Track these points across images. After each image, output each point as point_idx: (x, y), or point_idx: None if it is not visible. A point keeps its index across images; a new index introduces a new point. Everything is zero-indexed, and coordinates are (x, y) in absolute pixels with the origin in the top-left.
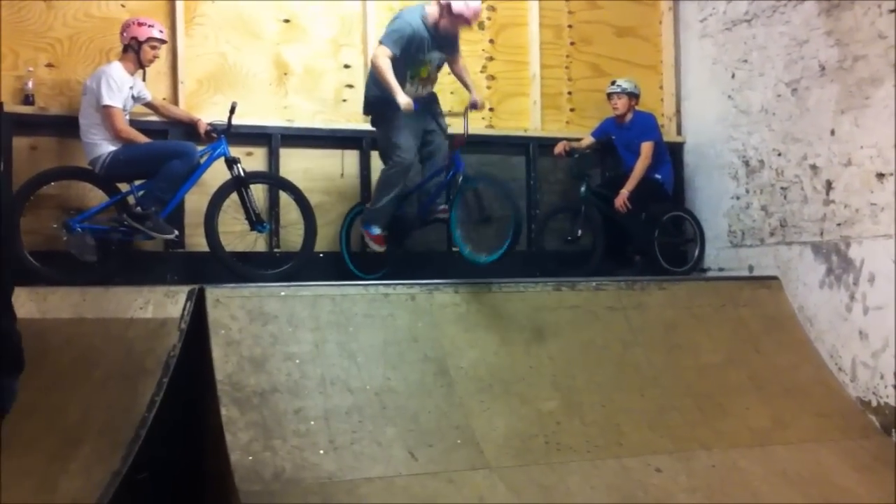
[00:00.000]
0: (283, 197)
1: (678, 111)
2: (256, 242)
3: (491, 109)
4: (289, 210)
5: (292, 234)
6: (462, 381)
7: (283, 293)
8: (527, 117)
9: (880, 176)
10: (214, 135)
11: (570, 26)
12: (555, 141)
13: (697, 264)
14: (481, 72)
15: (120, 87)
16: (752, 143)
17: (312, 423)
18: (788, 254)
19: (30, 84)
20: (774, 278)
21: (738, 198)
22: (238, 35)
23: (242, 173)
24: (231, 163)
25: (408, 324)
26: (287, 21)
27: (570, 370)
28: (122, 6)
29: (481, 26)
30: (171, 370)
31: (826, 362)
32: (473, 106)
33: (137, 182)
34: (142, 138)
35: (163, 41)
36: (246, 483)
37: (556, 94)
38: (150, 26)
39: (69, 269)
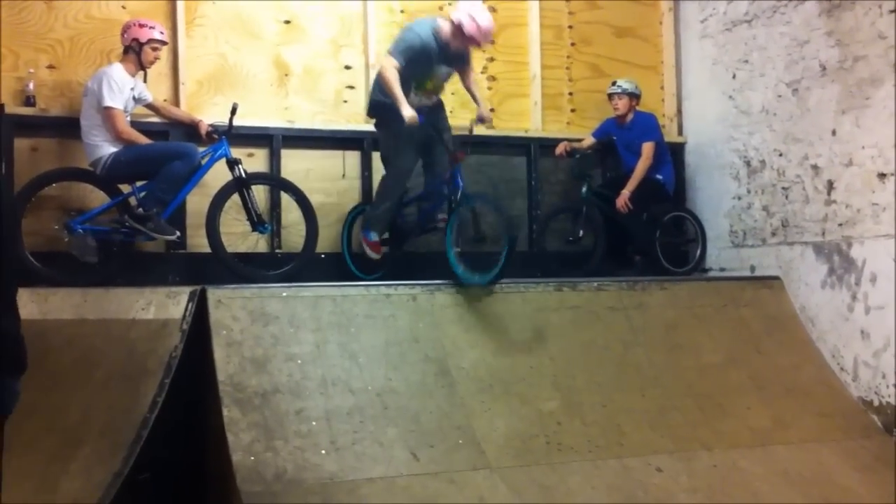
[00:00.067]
0: (285, 198)
1: (679, 111)
2: (258, 243)
3: (492, 110)
4: (290, 211)
5: (293, 234)
6: (463, 381)
7: (284, 294)
8: (527, 118)
9: (881, 176)
10: (215, 136)
11: (570, 27)
12: (556, 141)
13: (699, 264)
14: (482, 72)
15: (121, 89)
16: (753, 144)
17: (314, 423)
18: (790, 254)
19: (31, 85)
20: (776, 278)
21: (739, 198)
22: (238, 36)
23: (244, 174)
24: (232, 164)
25: (409, 324)
26: (287, 22)
27: (571, 370)
28: (123, 7)
29: None
30: (172, 371)
31: (828, 362)
32: (481, 120)
33: (139, 183)
34: (143, 139)
35: (164, 42)
36: (248, 483)
37: (557, 95)
38: (150, 28)
39: (70, 270)
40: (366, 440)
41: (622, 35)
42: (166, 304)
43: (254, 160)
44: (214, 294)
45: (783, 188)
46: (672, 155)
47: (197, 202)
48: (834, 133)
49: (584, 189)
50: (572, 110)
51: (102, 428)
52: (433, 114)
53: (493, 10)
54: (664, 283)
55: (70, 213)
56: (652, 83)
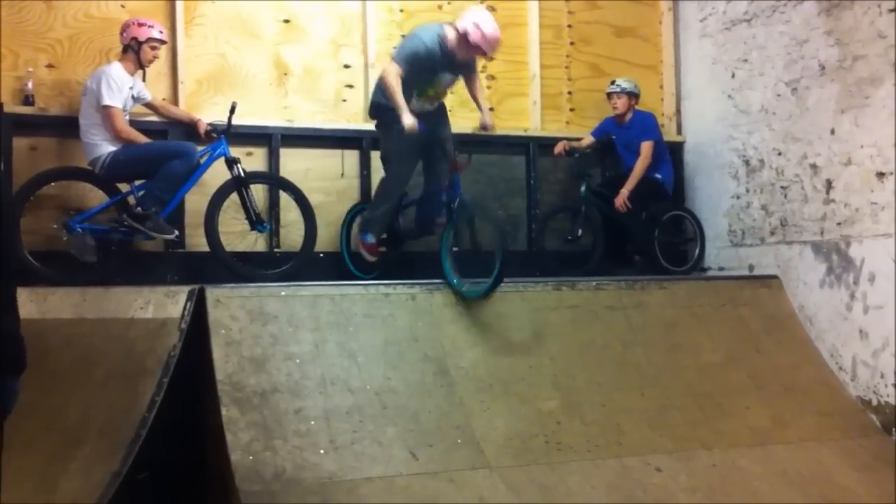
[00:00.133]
0: (284, 197)
1: (678, 111)
2: (256, 242)
3: (491, 109)
4: (289, 210)
5: (292, 234)
6: (462, 380)
7: (283, 293)
8: (527, 117)
9: (880, 175)
10: (214, 135)
11: (569, 26)
12: (555, 141)
13: (698, 264)
14: (481, 71)
15: (120, 88)
16: (753, 143)
17: (313, 422)
18: (789, 253)
19: (30, 84)
20: (775, 277)
21: (738, 197)
22: (238, 35)
23: (242, 173)
24: (231, 163)
25: (408, 324)
26: (287, 21)
27: (570, 370)
28: (122, 6)
29: None
30: (171, 370)
31: (826, 361)
32: (483, 128)
33: (137, 182)
34: (142, 138)
35: (162, 41)
36: (246, 483)
37: (556, 94)
38: (149, 27)
39: (69, 270)
40: (365, 440)
41: (621, 34)
42: (165, 304)
43: (253, 159)
44: (213, 293)
45: (782, 187)
46: (671, 154)
47: (196, 201)
48: (833, 132)
49: (582, 188)
50: (571, 110)
51: (101, 427)
52: (434, 118)
53: (492, 9)
54: (663, 283)
55: (69, 212)
56: (651, 82)
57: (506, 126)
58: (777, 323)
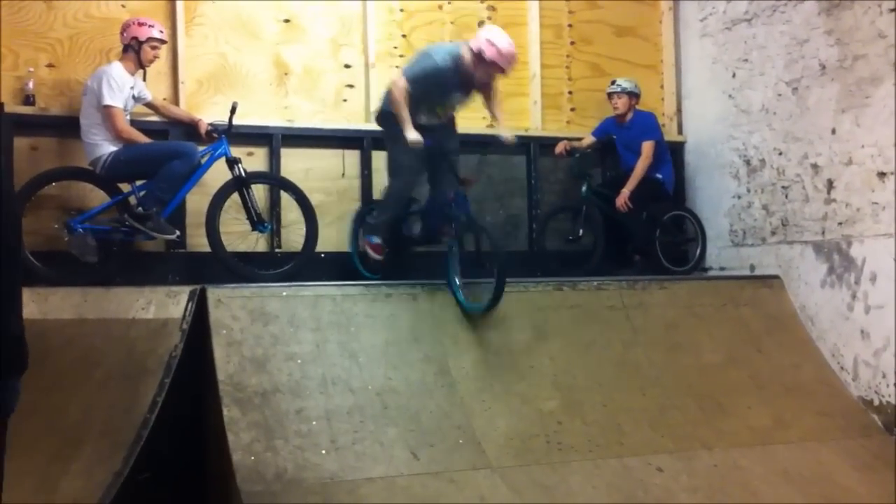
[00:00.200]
0: (284, 197)
1: (679, 110)
2: (258, 243)
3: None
4: (290, 210)
5: (293, 234)
6: (463, 380)
7: (284, 293)
8: (527, 117)
9: (881, 175)
10: (215, 135)
11: (570, 26)
12: (555, 140)
13: (699, 264)
14: None
15: (121, 87)
16: (753, 143)
17: (314, 423)
18: (790, 253)
19: (30, 84)
20: (776, 277)
21: (739, 197)
22: (238, 35)
23: (243, 173)
24: (232, 163)
25: (409, 324)
26: (287, 21)
27: (571, 370)
28: (123, 6)
29: (481, 26)
30: (172, 370)
31: (828, 361)
32: (502, 143)
33: (138, 182)
34: (142, 138)
35: (163, 41)
36: (248, 483)
37: (557, 94)
38: (150, 26)
39: (70, 270)
40: (366, 440)
41: (622, 34)
42: (166, 304)
43: (253, 159)
44: (214, 293)
45: (783, 187)
46: (672, 154)
47: (197, 201)
48: (834, 132)
49: (583, 188)
50: (572, 109)
51: (103, 428)
52: (441, 132)
53: (492, 9)
54: (664, 283)
55: (70, 212)
56: (652, 82)
57: (506, 126)
58: (778, 323)
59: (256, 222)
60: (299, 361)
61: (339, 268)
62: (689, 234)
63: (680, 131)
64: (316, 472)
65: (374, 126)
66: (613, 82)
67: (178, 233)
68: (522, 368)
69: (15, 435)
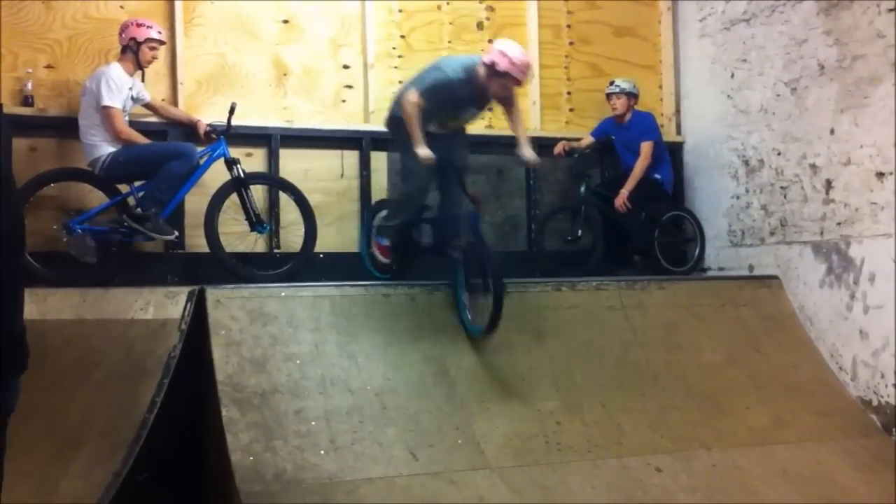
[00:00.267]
0: (283, 197)
1: (677, 111)
2: (256, 243)
3: (490, 109)
4: (288, 211)
5: (292, 234)
6: (462, 381)
7: (283, 294)
8: (526, 117)
9: (880, 175)
10: (214, 136)
11: (568, 26)
12: (554, 141)
13: (697, 264)
14: None
15: (119, 88)
16: (752, 143)
17: (313, 423)
18: (789, 253)
19: (29, 85)
20: (775, 278)
21: (737, 197)
22: (237, 36)
23: (242, 174)
24: (231, 164)
25: (408, 324)
26: (286, 21)
27: (570, 370)
28: (121, 7)
29: (480, 27)
30: (171, 371)
31: (826, 361)
32: (521, 163)
33: (137, 183)
34: (141, 139)
35: (161, 42)
36: (247, 484)
37: (556, 94)
38: (148, 27)
39: (69, 271)
40: (365, 440)
41: (621, 34)
42: (165, 304)
43: (252, 160)
44: (213, 294)
45: (782, 187)
46: (670, 154)
47: (195, 202)
48: (832, 132)
49: (582, 188)
50: (571, 110)
51: (102, 428)
52: (451, 141)
53: (491, 9)
54: (663, 283)
55: (69, 213)
56: (650, 82)
57: (505, 126)
58: (777, 323)
59: (255, 223)
60: (298, 362)
61: (338, 268)
62: (688, 234)
63: (679, 131)
64: (315, 473)
65: (373, 126)
66: (612, 83)
67: (176, 233)
68: (521, 369)
69: (14, 435)
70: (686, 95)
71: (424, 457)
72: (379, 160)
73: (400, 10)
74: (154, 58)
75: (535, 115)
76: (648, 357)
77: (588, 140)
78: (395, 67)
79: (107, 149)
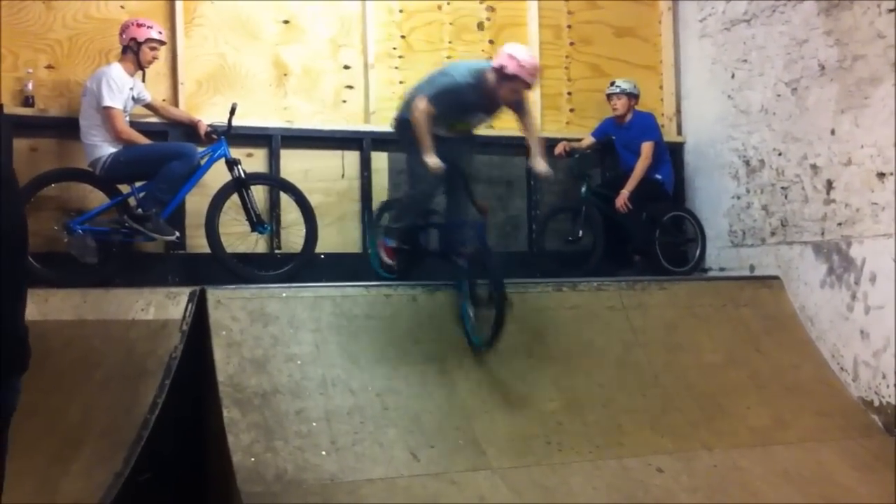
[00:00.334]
0: (284, 198)
1: (678, 111)
2: (257, 244)
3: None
4: (289, 211)
5: (293, 235)
6: (463, 381)
7: (284, 294)
8: None
9: (881, 175)
10: (214, 136)
11: (569, 26)
12: (555, 141)
13: (698, 264)
14: None
15: (120, 89)
16: (753, 143)
17: (314, 424)
18: (789, 253)
19: (29, 86)
20: (775, 278)
21: (738, 197)
22: (237, 36)
23: (243, 174)
24: (231, 164)
25: (409, 325)
26: (286, 22)
27: (571, 370)
28: (122, 7)
29: (481, 27)
30: (172, 372)
31: (827, 362)
32: (536, 176)
33: (138, 183)
34: (142, 139)
35: (162, 42)
36: (248, 484)
37: (556, 95)
38: (148, 27)
39: (70, 271)
40: (366, 441)
41: (621, 35)
42: (166, 305)
43: (253, 160)
44: (214, 294)
45: (782, 188)
46: (671, 154)
47: (196, 202)
48: (833, 132)
49: (583, 189)
50: (571, 110)
51: (103, 428)
52: (459, 147)
53: (491, 9)
54: (664, 283)
55: (69, 213)
56: (651, 83)
57: (506, 126)
58: (778, 323)
59: (256, 223)
60: (299, 362)
61: (339, 269)
62: (689, 234)
63: (679, 132)
64: (316, 473)
65: (373, 127)
66: (612, 83)
67: (177, 234)
68: (522, 369)
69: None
70: (686, 96)
71: (425, 457)
72: (380, 160)
73: (400, 11)
74: (154, 58)
75: (535, 116)
76: (649, 357)
77: (589, 140)
78: (396, 68)
79: (107, 149)
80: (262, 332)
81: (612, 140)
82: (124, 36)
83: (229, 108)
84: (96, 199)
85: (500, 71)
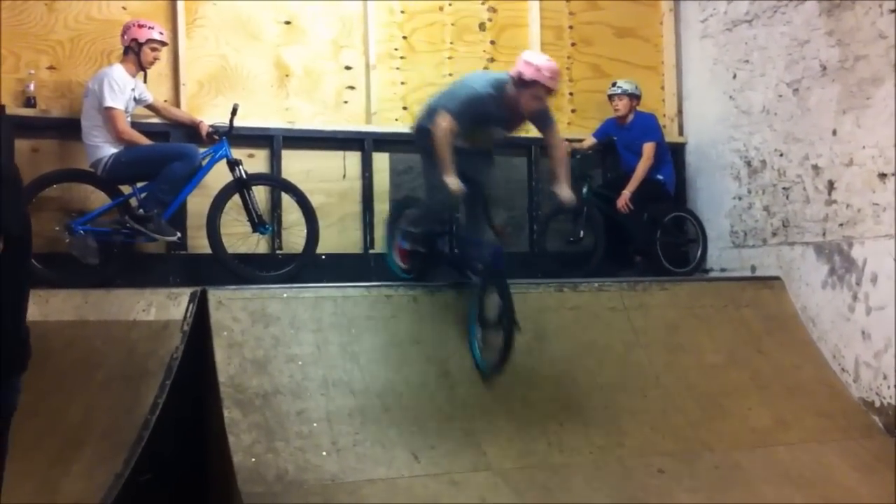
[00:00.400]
0: (285, 198)
1: (680, 112)
2: (258, 244)
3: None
4: (290, 212)
5: (294, 235)
6: (464, 382)
7: (285, 295)
8: None
9: (882, 176)
10: (216, 137)
11: (570, 27)
12: None
13: (700, 265)
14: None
15: (122, 89)
16: (754, 144)
17: (315, 424)
18: (791, 254)
19: (31, 86)
20: (777, 279)
21: (740, 198)
22: (239, 37)
23: (244, 175)
24: (233, 165)
25: (410, 325)
26: (287, 23)
27: (572, 371)
28: (123, 8)
29: (482, 27)
30: (173, 372)
31: (829, 362)
32: (561, 203)
33: (139, 184)
34: (143, 140)
35: (163, 43)
36: (249, 485)
37: (558, 95)
38: (150, 28)
39: (71, 272)
40: (367, 441)
41: (623, 35)
42: (167, 306)
43: (254, 161)
44: (215, 295)
45: (784, 188)
46: (672, 155)
47: (198, 203)
48: (834, 133)
49: (584, 189)
50: (573, 111)
51: (104, 429)
52: (480, 163)
53: (493, 10)
54: (665, 284)
55: (71, 214)
56: (652, 83)
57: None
58: (779, 324)
59: (257, 224)
60: (300, 363)
61: (340, 269)
62: (690, 235)
63: (681, 132)
64: (317, 474)
65: (375, 127)
66: (614, 84)
67: (178, 234)
68: (523, 370)
69: (16, 436)
70: (688, 96)
71: (426, 458)
72: (381, 161)
73: (402, 11)
74: (156, 59)
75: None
76: (650, 358)
77: (590, 141)
78: (397, 68)
79: (109, 150)
80: (263, 333)
81: (613, 141)
82: (126, 37)
83: (231, 109)
84: (98, 199)
85: (518, 78)
